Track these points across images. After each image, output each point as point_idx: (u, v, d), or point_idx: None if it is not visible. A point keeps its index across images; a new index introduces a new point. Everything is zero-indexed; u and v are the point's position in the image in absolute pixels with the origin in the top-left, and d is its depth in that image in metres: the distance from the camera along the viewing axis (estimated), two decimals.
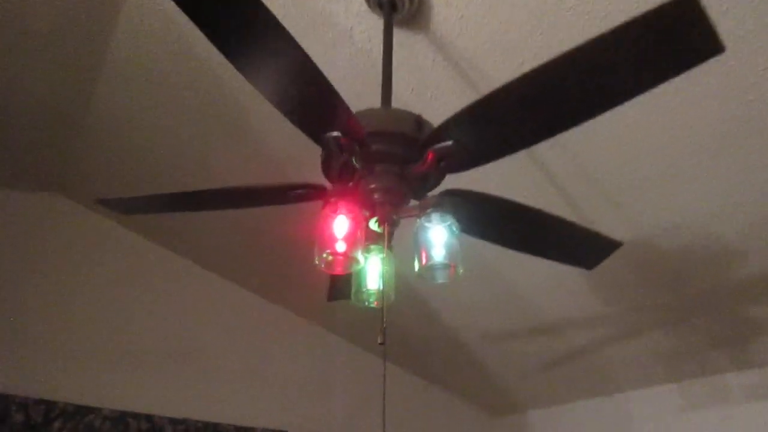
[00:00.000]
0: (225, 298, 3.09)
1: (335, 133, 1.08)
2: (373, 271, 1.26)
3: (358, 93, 1.88)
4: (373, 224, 1.20)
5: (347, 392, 3.26)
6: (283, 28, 0.92)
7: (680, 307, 2.50)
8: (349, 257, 1.10)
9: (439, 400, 3.71)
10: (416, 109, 1.86)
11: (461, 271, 1.13)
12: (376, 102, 1.42)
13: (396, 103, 1.59)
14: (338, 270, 1.13)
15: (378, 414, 2.99)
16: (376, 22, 1.65)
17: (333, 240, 1.09)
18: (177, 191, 1.29)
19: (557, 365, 3.16)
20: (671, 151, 1.84)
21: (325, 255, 1.09)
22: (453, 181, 1.29)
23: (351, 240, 1.10)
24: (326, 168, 1.23)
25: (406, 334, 3.21)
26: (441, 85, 1.79)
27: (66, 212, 2.78)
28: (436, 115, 1.86)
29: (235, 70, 0.99)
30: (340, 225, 1.10)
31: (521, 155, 1.97)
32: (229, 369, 2.96)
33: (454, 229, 1.15)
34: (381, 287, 1.24)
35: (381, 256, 1.28)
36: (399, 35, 1.67)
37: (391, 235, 1.30)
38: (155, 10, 1.76)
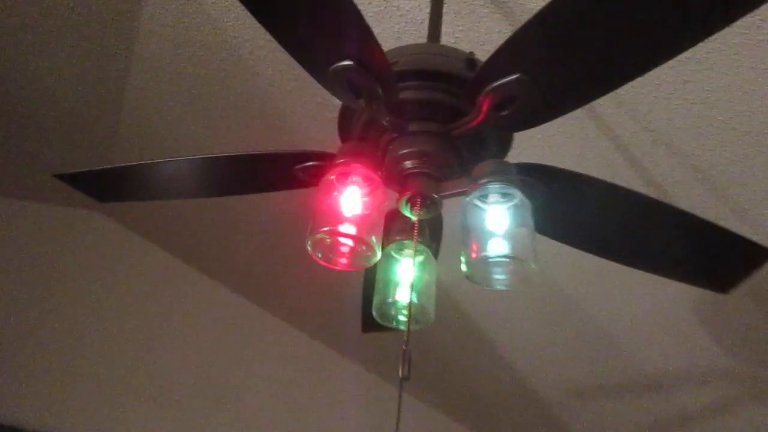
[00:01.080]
0: (265, 332, 2.77)
1: (346, 63, 0.74)
2: (405, 278, 0.89)
3: None
4: (405, 207, 0.84)
5: None
6: None
7: None
8: (363, 242, 0.73)
9: None
10: None
11: (534, 267, 0.73)
12: None
13: None
14: (340, 262, 0.77)
15: None
16: None
17: (336, 216, 0.73)
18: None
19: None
20: None
21: (321, 235, 0.73)
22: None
23: (365, 219, 0.74)
24: (343, 128, 0.89)
25: (452, 374, 2.74)
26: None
27: (100, 229, 2.62)
28: None
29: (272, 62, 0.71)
30: (350, 196, 0.74)
31: (613, 154, 1.55)
32: (270, 415, 2.61)
33: (525, 211, 0.76)
34: (414, 301, 0.86)
35: (419, 257, 0.91)
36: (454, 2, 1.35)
37: (432, 227, 0.93)
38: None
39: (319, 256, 0.75)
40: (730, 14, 0.63)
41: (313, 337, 2.84)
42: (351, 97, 0.78)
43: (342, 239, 0.74)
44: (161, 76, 1.86)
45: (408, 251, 0.89)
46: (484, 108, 0.77)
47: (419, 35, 1.46)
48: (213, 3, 1.57)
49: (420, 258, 0.90)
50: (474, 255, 0.74)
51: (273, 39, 0.74)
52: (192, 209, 2.37)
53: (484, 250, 0.73)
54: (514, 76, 0.73)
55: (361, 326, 1.43)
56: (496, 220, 0.76)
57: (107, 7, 1.66)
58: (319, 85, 0.79)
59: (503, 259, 0.74)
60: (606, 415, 2.61)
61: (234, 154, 0.90)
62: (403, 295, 0.87)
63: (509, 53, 0.73)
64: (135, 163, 0.96)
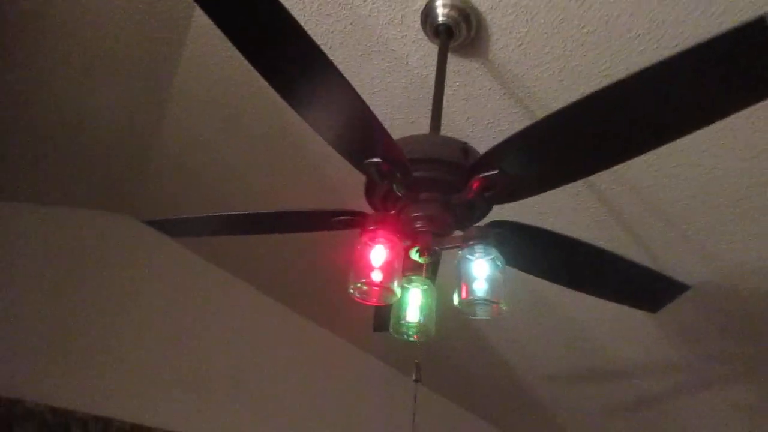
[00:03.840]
0: (284, 327, 3.09)
1: (375, 160, 1.05)
2: (413, 303, 1.21)
3: (413, 120, 1.87)
4: (414, 254, 1.16)
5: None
6: (327, 58, 0.91)
7: (764, 358, 2.26)
8: (385, 288, 1.06)
9: None
10: (471, 137, 1.84)
11: (504, 308, 1.06)
12: (426, 128, 1.39)
13: (451, 131, 1.55)
14: (373, 300, 1.09)
15: None
16: (432, 49, 1.63)
17: (369, 269, 1.05)
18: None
19: (622, 411, 2.93)
20: (754, 181, 1.68)
21: (360, 284, 1.06)
22: (504, 212, 1.23)
23: (388, 270, 1.06)
24: (369, 195, 1.20)
25: (454, 364, 3.10)
26: (497, 113, 1.74)
27: (133, 233, 2.87)
28: (491, 144, 1.81)
29: None
30: (378, 254, 1.06)
31: (580, 188, 1.87)
32: (284, 399, 2.95)
33: (499, 263, 1.09)
34: (420, 320, 1.18)
35: (423, 287, 1.23)
36: (455, 62, 1.64)
37: (433, 266, 1.25)
38: (218, 35, 1.82)
39: (357, 296, 1.07)
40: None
41: (328, 329, 3.17)
42: (378, 177, 1.09)
43: (373, 287, 1.07)
44: (197, 105, 2.15)
45: (416, 284, 1.21)
46: (474, 188, 1.09)
47: (422, 87, 1.75)
48: None
49: (425, 288, 1.22)
50: (464, 296, 1.06)
51: None
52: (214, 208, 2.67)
53: (472, 292, 1.06)
54: (495, 171, 1.04)
55: (373, 327, 1.76)
56: (480, 269, 1.08)
57: (151, 38, 1.91)
58: None
59: (484, 301, 1.06)
60: (573, 395, 2.99)
61: (292, 210, 1.21)
62: (412, 317, 1.20)
63: (493, 157, 1.04)
64: (210, 215, 1.27)
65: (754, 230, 1.80)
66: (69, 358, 2.52)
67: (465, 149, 1.15)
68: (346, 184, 2.21)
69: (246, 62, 0.97)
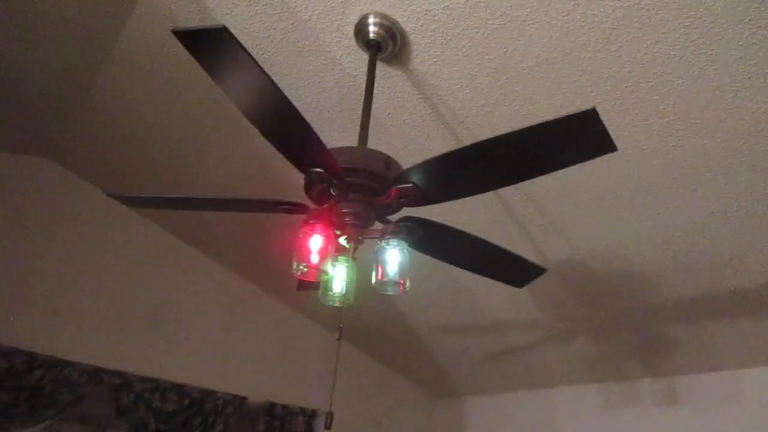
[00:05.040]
0: (201, 271, 3.32)
1: (317, 169, 1.33)
2: (338, 277, 1.53)
3: (341, 111, 2.13)
4: (342, 240, 1.46)
5: (304, 367, 3.55)
6: (279, 90, 1.15)
7: (604, 320, 2.85)
8: (319, 269, 1.36)
9: (389, 380, 4.07)
10: (390, 129, 2.14)
11: (409, 287, 1.40)
12: (354, 119, 1.66)
13: (373, 121, 1.83)
14: (310, 278, 1.39)
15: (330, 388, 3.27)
16: (363, 56, 1.89)
17: (308, 254, 1.35)
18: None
19: (495, 359, 3.51)
20: (606, 190, 2.15)
21: (301, 266, 1.35)
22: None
23: (323, 255, 1.36)
24: (308, 191, 1.48)
25: (364, 320, 3.50)
26: (413, 113, 2.06)
27: (59, 179, 2.94)
28: (407, 138, 2.14)
29: None
30: (315, 242, 1.36)
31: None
32: (198, 336, 3.20)
33: (407, 252, 1.43)
34: (343, 291, 1.51)
35: (346, 266, 1.54)
36: (381, 68, 1.91)
37: (355, 249, 1.57)
38: (166, 8, 1.93)
39: (298, 274, 1.36)
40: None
41: (252, 282, 3.44)
42: (317, 181, 1.38)
43: (311, 268, 1.36)
44: (137, 72, 2.25)
45: (341, 262, 1.52)
46: (392, 195, 1.40)
47: (351, 84, 2.01)
48: (200, 20, 1.98)
49: (348, 266, 1.54)
50: (379, 278, 1.40)
51: None
52: (140, 167, 2.80)
53: (386, 274, 1.39)
54: (410, 185, 1.36)
55: (297, 287, 2.06)
56: (392, 257, 1.41)
57: (97, 7, 1.98)
58: None
59: (393, 281, 1.40)
60: (459, 345, 3.52)
61: (244, 198, 1.47)
62: (337, 288, 1.51)
63: (409, 174, 1.35)
64: (171, 196, 1.49)
65: (605, 225, 2.30)
66: None
67: (388, 162, 1.46)
68: (276, 157, 2.44)
69: None
